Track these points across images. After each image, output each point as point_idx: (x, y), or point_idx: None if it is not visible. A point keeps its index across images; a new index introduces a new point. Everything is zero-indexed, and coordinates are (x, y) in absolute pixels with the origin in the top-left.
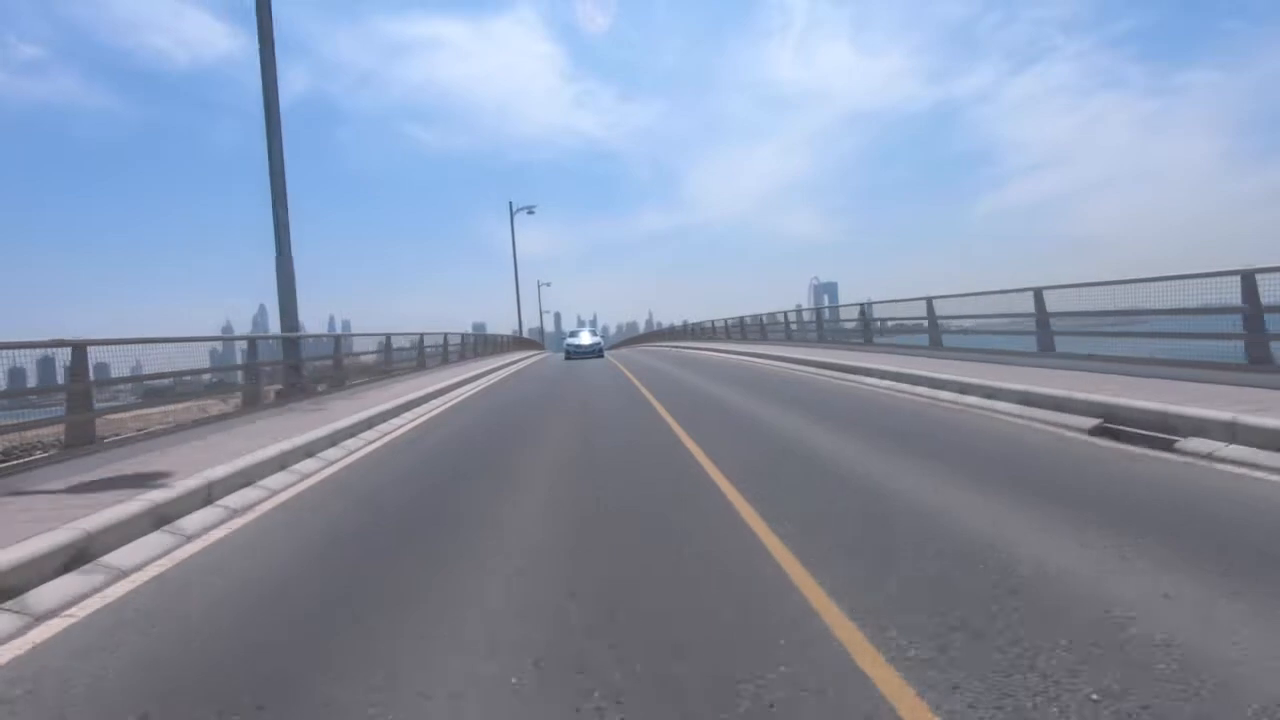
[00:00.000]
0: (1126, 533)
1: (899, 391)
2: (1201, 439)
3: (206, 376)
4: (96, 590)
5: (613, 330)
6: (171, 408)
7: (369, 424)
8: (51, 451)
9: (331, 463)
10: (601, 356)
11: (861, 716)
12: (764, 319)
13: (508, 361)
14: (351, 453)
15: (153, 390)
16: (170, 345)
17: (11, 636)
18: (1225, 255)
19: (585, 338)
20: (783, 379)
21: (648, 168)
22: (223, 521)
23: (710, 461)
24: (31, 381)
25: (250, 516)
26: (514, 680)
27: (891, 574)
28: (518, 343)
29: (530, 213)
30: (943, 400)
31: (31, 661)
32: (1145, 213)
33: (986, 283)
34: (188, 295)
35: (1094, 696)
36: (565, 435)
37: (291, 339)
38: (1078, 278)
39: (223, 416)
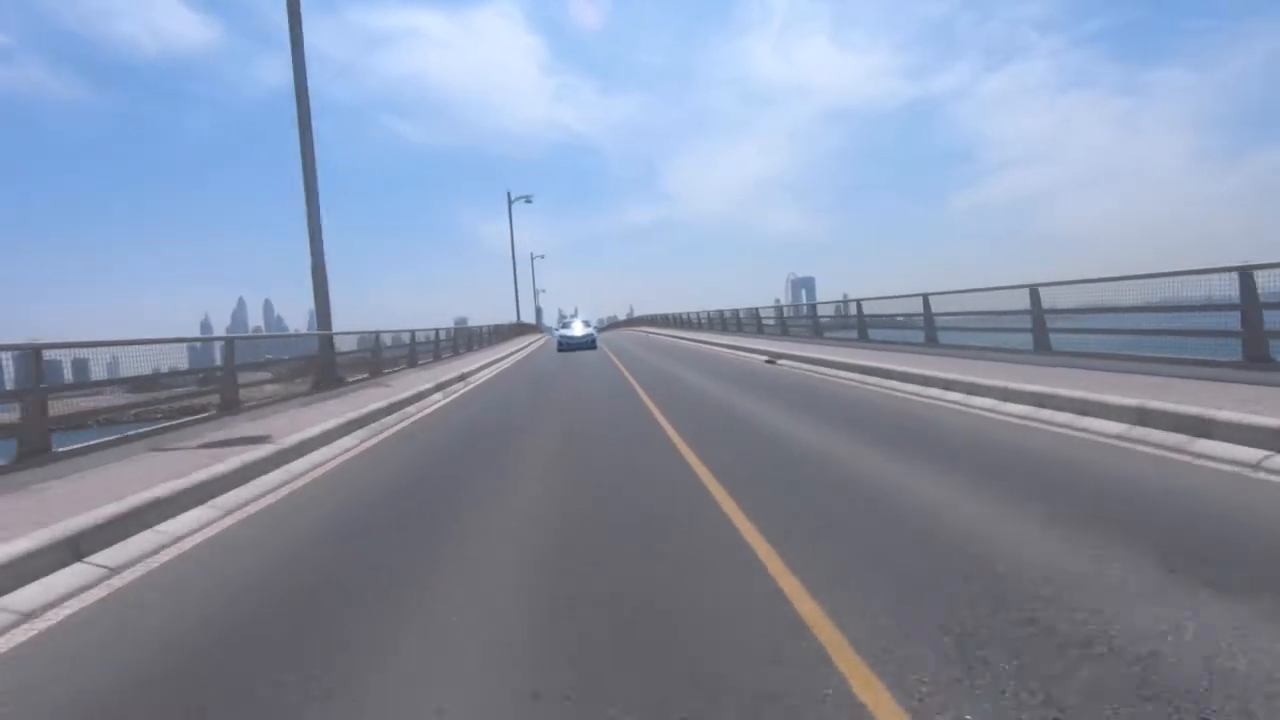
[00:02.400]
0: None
1: (811, 370)
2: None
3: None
4: (269, 490)
5: (594, 323)
6: (273, 388)
7: (418, 396)
8: (212, 412)
9: (388, 427)
10: (595, 348)
11: (718, 535)
12: (740, 313)
13: (521, 345)
14: (409, 418)
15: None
16: (272, 340)
17: (222, 516)
18: (1199, 254)
19: (578, 328)
20: (725, 361)
21: (629, 162)
22: (326, 461)
23: (667, 422)
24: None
25: (347, 456)
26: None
27: (754, 471)
28: (520, 329)
29: (528, 201)
30: (869, 383)
31: (228, 532)
32: (1117, 211)
33: (964, 279)
34: (160, 288)
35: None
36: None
37: (326, 336)
38: (1052, 276)
39: (293, 395)
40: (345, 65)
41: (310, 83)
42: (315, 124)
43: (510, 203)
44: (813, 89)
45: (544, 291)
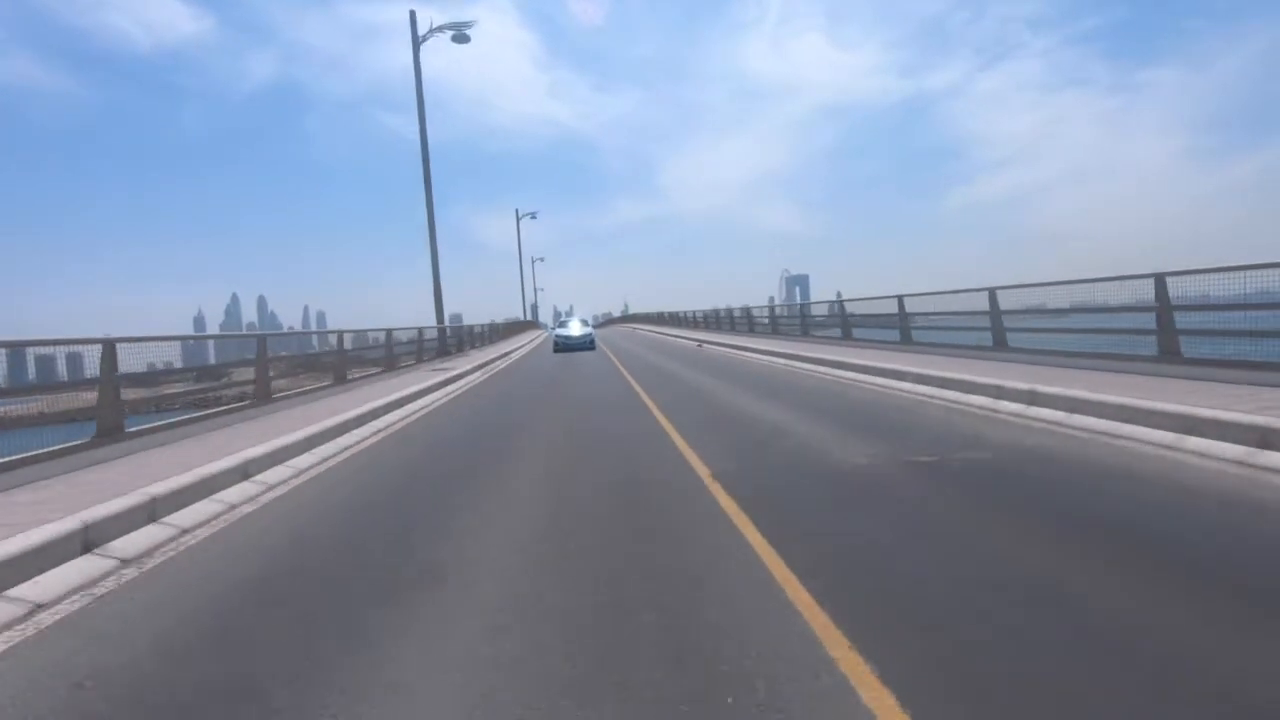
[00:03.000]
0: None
1: (780, 362)
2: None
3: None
4: (348, 446)
5: (590, 321)
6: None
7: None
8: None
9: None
10: (594, 348)
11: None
12: (735, 312)
13: (519, 344)
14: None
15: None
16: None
17: (303, 469)
18: (1186, 249)
19: (575, 327)
20: (722, 358)
21: (624, 158)
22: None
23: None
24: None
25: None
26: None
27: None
28: (521, 326)
29: (533, 218)
30: (820, 372)
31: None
32: (1109, 208)
33: (956, 274)
34: (153, 283)
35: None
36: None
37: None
38: (1042, 272)
39: (323, 386)
40: (336, 59)
41: (300, 76)
42: (303, 118)
43: (519, 219)
44: (807, 86)
45: (542, 290)
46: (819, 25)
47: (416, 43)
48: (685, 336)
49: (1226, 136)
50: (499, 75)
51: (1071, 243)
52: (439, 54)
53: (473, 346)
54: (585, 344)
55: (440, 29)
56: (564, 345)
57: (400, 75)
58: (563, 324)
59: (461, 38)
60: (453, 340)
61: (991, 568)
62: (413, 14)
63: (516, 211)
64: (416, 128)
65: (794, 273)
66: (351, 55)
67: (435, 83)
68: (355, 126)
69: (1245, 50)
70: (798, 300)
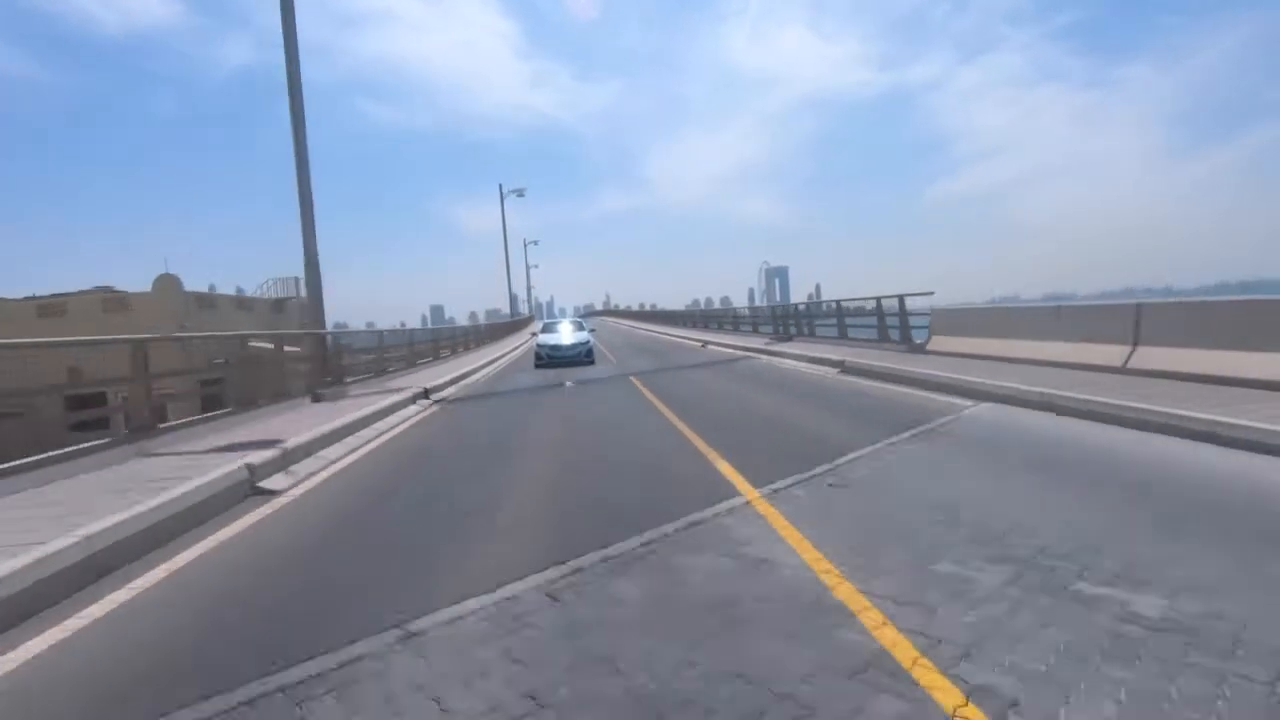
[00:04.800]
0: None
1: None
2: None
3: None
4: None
5: (569, 313)
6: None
7: (492, 360)
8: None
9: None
10: (592, 361)
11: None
12: (717, 308)
13: (505, 350)
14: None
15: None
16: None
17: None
18: (1158, 243)
19: (566, 332)
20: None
21: (606, 149)
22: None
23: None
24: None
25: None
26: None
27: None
28: (514, 325)
29: (520, 195)
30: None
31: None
32: (1083, 202)
33: (936, 265)
34: (119, 272)
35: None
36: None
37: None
38: (1021, 263)
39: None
40: (316, 46)
41: (278, 62)
42: (280, 105)
43: (502, 197)
44: (789, 78)
45: (536, 267)
46: (801, 17)
47: None
48: (690, 337)
49: (1199, 131)
50: (480, 64)
51: (1042, 239)
52: (420, 39)
53: (409, 365)
54: (580, 355)
55: None
56: (551, 357)
57: (376, 64)
58: (549, 328)
59: None
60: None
61: (731, 397)
62: None
63: (500, 188)
64: (393, 114)
65: (774, 265)
66: (332, 41)
67: (413, 70)
68: (331, 113)
69: (1216, 46)
70: (777, 291)
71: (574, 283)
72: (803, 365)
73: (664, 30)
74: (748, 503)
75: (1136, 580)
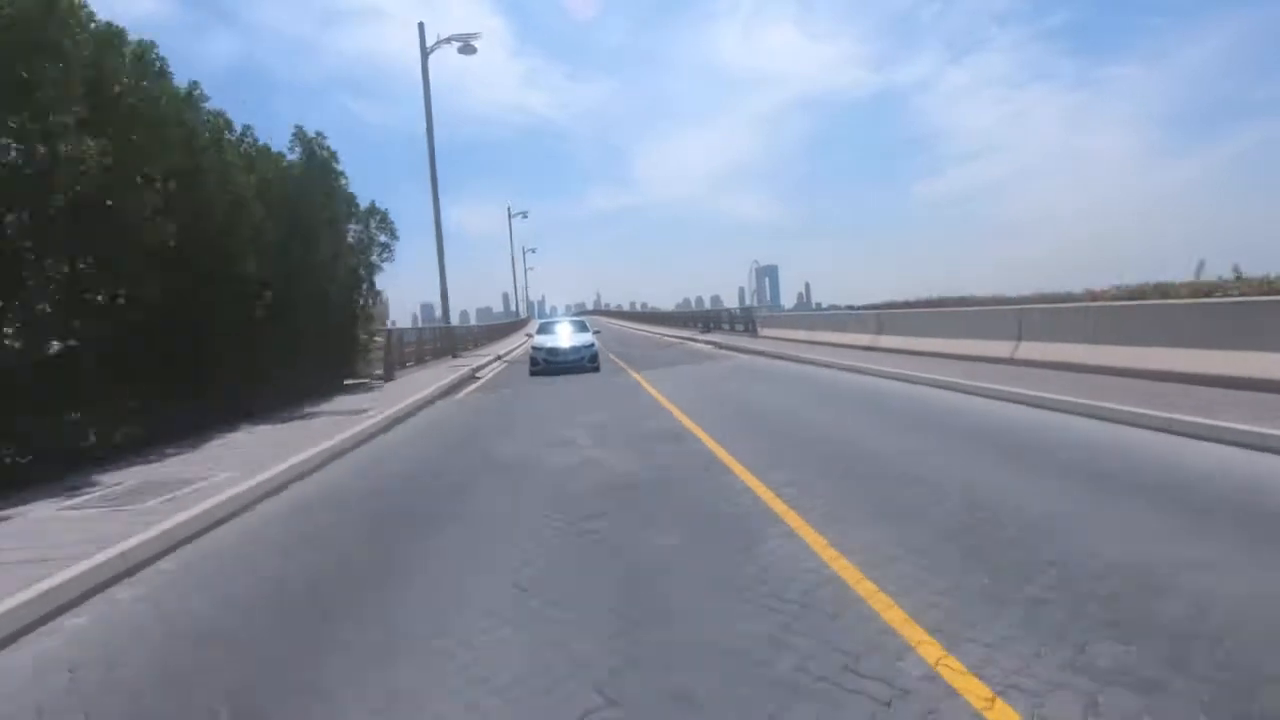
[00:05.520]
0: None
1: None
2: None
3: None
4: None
5: (560, 310)
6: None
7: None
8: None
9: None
10: (597, 368)
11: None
12: (707, 309)
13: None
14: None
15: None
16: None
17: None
18: (1143, 242)
19: (565, 335)
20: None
21: (597, 148)
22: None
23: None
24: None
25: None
26: None
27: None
28: (512, 326)
29: (524, 217)
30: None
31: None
32: (1071, 202)
33: (919, 264)
34: None
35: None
36: None
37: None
38: (1005, 261)
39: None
40: (302, 42)
41: (265, 58)
42: (268, 101)
43: (510, 217)
44: (779, 77)
45: (532, 269)
46: (790, 15)
47: (425, 53)
48: (658, 331)
49: (1184, 132)
50: (471, 63)
51: (1023, 239)
52: (410, 43)
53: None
54: (583, 361)
55: (447, 40)
56: (549, 364)
57: (362, 60)
58: (545, 328)
59: (468, 49)
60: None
61: (654, 353)
62: (421, 26)
63: (509, 210)
64: (379, 112)
65: (764, 264)
66: (316, 39)
67: (406, 70)
68: (317, 110)
69: (1202, 48)
70: (767, 290)
71: (565, 282)
72: (700, 344)
73: (655, 29)
74: (637, 383)
75: (802, 417)
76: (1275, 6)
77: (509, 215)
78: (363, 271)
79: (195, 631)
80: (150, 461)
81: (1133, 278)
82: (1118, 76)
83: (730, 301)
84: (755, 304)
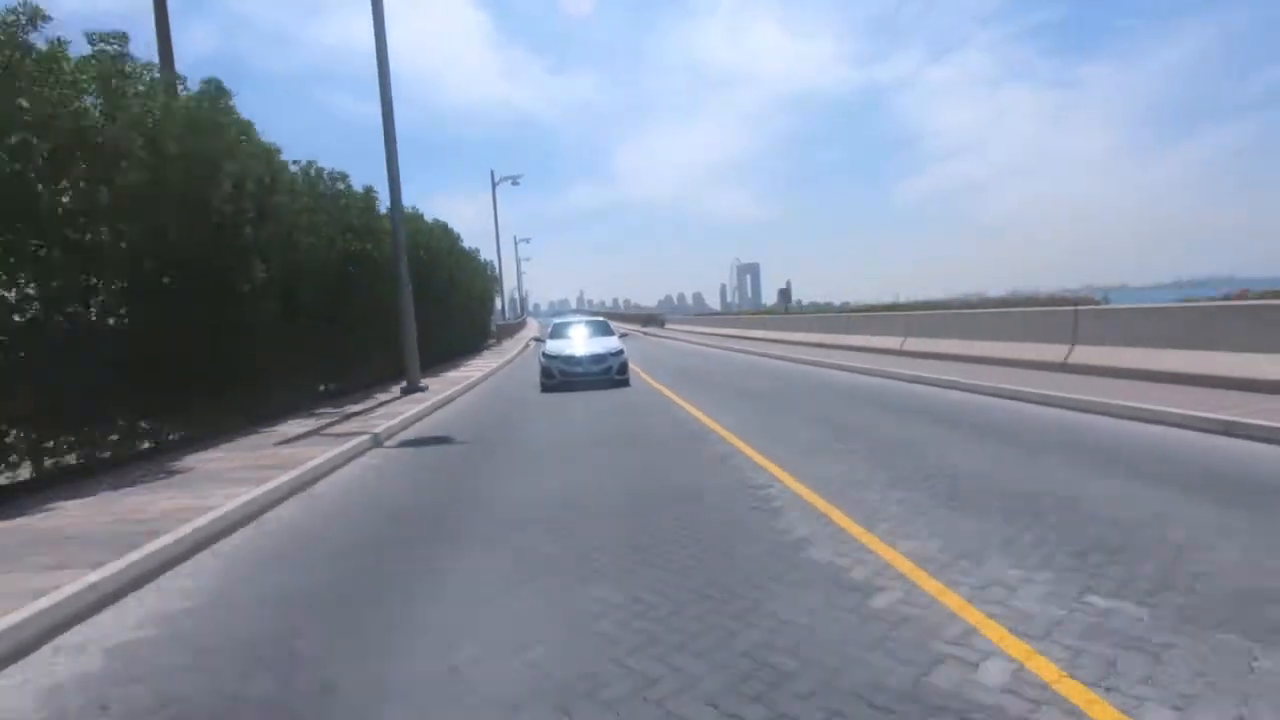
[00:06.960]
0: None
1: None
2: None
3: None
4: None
5: (544, 308)
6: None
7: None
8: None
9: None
10: (627, 383)
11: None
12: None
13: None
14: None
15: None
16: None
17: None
18: (1119, 240)
19: (579, 339)
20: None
21: (579, 144)
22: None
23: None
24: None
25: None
26: None
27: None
28: (504, 329)
29: (515, 183)
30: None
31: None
32: (1048, 201)
33: (901, 262)
34: None
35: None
36: None
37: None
38: (984, 260)
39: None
40: (280, 34)
41: (242, 50)
42: (244, 94)
43: (494, 184)
44: (763, 75)
45: (527, 262)
46: (773, 13)
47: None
48: (624, 328)
49: (1161, 130)
50: (451, 56)
51: (1003, 239)
52: (391, 29)
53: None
54: (609, 373)
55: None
56: (565, 378)
57: (341, 52)
58: (559, 332)
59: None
60: None
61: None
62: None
63: (492, 174)
64: (358, 104)
65: (745, 262)
66: (297, 29)
67: (372, 61)
68: (298, 105)
69: (1175, 49)
70: (749, 288)
71: (549, 279)
72: (636, 333)
73: (637, 24)
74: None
75: (747, 387)
76: (1244, 12)
77: (493, 181)
78: None
79: (400, 482)
80: (360, 403)
81: (1110, 278)
82: (1093, 76)
83: (712, 298)
84: (736, 301)
